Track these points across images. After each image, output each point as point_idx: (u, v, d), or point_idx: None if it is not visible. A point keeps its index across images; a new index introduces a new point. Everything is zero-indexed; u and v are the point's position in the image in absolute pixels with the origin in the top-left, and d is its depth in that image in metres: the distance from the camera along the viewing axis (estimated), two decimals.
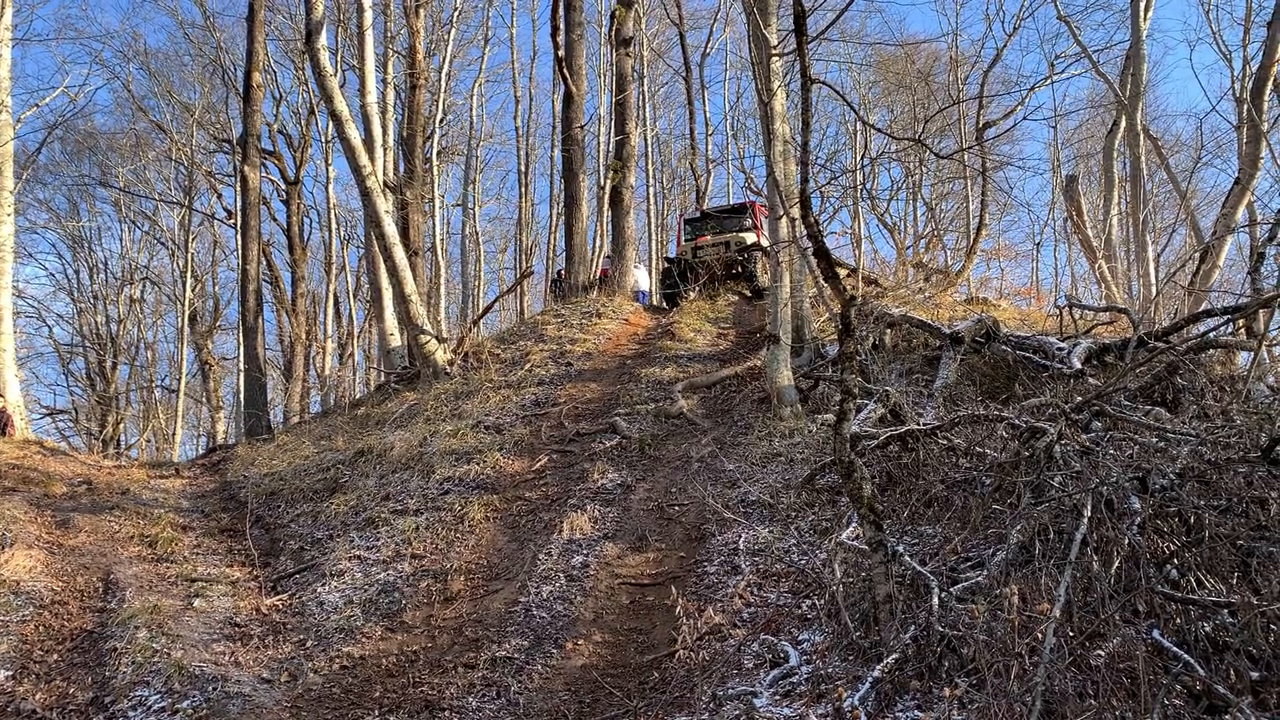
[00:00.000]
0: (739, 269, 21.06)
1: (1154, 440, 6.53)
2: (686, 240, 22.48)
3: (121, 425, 36.02)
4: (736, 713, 5.27)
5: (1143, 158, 18.17)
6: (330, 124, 21.69)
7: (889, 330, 13.17)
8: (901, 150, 27.30)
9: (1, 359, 18.12)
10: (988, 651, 4.61)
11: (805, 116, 6.86)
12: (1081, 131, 31.91)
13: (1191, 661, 4.47)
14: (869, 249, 29.18)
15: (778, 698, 5.44)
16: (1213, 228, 15.30)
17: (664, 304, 22.16)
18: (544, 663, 6.59)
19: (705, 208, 25.89)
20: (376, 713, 6.09)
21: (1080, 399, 7.73)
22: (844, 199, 29.93)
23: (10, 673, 6.94)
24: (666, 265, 22.56)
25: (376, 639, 7.39)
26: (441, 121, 27.78)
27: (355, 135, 16.18)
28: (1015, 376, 10.37)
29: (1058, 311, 13.17)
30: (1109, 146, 20.40)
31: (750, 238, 21.22)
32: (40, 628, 7.81)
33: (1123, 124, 18.89)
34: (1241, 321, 9.74)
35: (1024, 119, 24.52)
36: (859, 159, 26.52)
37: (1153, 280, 17.49)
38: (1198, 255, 15.47)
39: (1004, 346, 11.12)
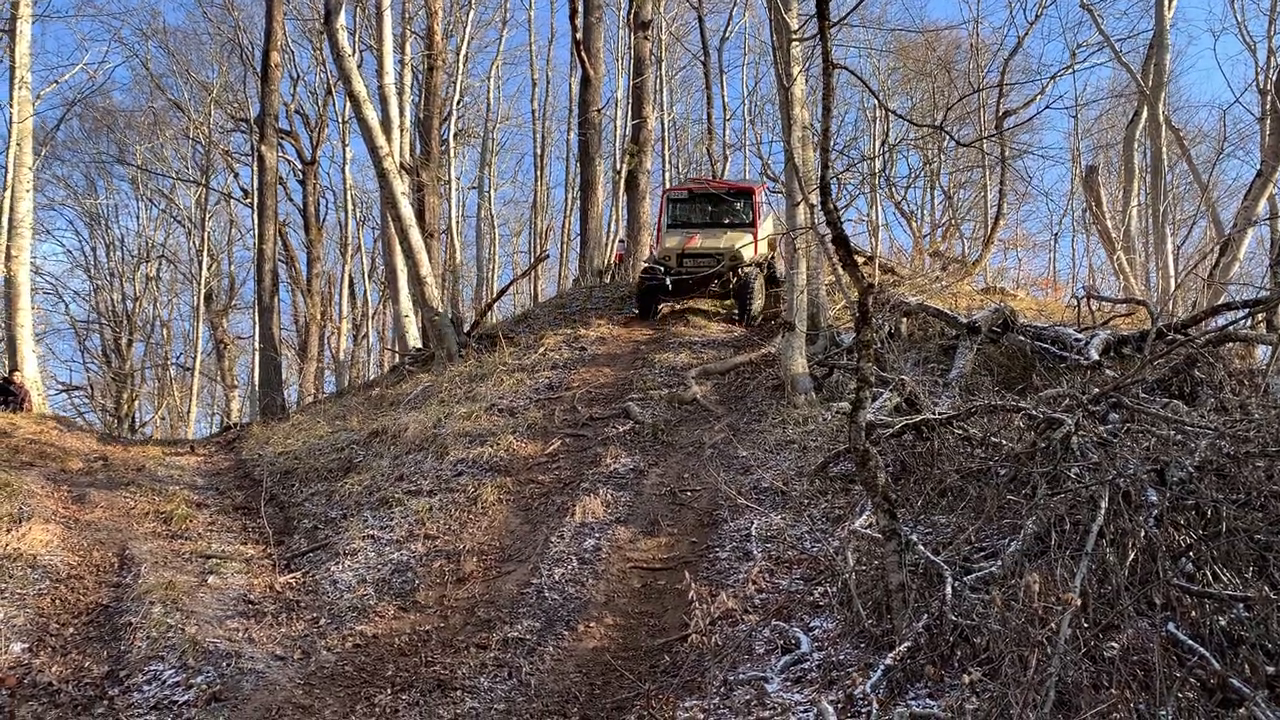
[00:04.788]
0: (730, 284, 17.13)
1: (1172, 433, 6.49)
2: (669, 226, 18.22)
3: (136, 402, 36.24)
4: (748, 697, 5.28)
5: (1164, 149, 18.02)
6: (347, 104, 21.71)
7: (905, 319, 13.13)
8: (920, 138, 27.12)
9: (19, 335, 18.26)
10: (1002, 641, 4.60)
11: (826, 102, 6.81)
12: (1102, 121, 31.65)
13: (1207, 654, 4.45)
14: (885, 237, 29.08)
15: (789, 683, 5.45)
16: (1233, 220, 15.19)
17: (641, 315, 17.60)
18: (555, 644, 6.61)
19: (696, 184, 20.79)
20: (389, 691, 6.12)
21: (1098, 390, 7.68)
22: (861, 186, 29.78)
23: (27, 645, 6.99)
24: (645, 273, 17.56)
25: (389, 618, 7.42)
26: (458, 103, 27.72)
27: (373, 116, 16.18)
28: (1032, 367, 10.32)
29: (1075, 302, 13.10)
30: (1130, 137, 20.25)
31: (745, 247, 17.14)
32: (56, 601, 7.87)
33: (1144, 114, 18.74)
34: (1261, 315, 9.67)
35: (1045, 108, 24.27)
36: (877, 146, 26.36)
37: (1172, 272, 17.37)
38: (1218, 248, 15.35)
39: (1021, 337, 11.08)
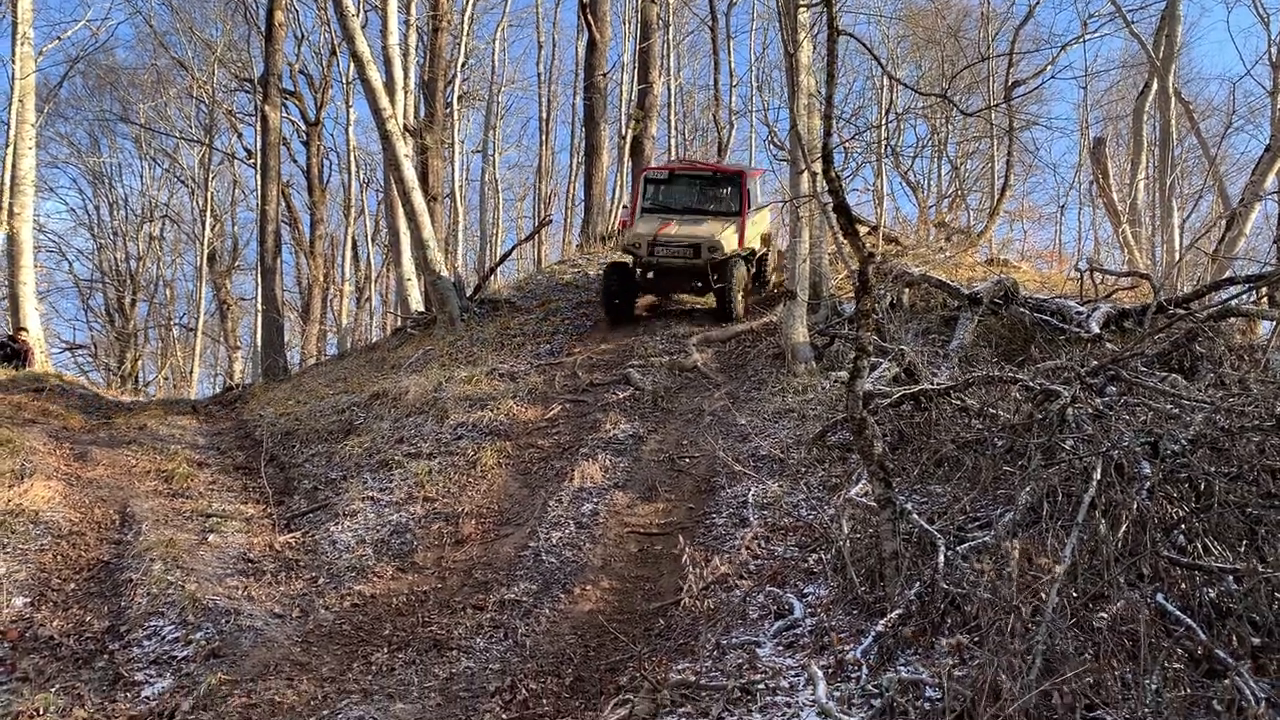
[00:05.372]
0: (712, 281, 14.72)
1: (1168, 406, 6.51)
2: (645, 210, 15.88)
3: (140, 362, 36.33)
4: (740, 661, 5.33)
5: (1173, 121, 17.88)
6: (351, 65, 21.57)
7: (908, 289, 13.11)
8: (927, 107, 26.92)
9: (22, 292, 18.32)
10: (990, 609, 4.64)
11: (830, 69, 6.79)
12: (1112, 93, 31.37)
13: (1194, 625, 4.50)
14: (891, 207, 28.95)
15: (781, 648, 5.50)
16: (1241, 195, 15.08)
17: (607, 315, 15.40)
18: (551, 607, 6.68)
19: (678, 164, 18.55)
20: (385, 650, 6.19)
21: (1096, 363, 7.71)
22: (867, 155, 29.59)
23: (29, 599, 7.07)
24: (612, 267, 15.51)
25: (387, 578, 7.49)
26: (463, 66, 27.56)
27: (376, 77, 16.08)
28: (1032, 339, 10.34)
29: (1078, 275, 13.07)
30: (1139, 109, 20.09)
31: (727, 237, 14.75)
32: (58, 557, 7.95)
33: (1154, 86, 18.58)
34: (1264, 290, 9.66)
35: (1052, 78, 23.98)
36: (884, 115, 26.17)
37: (1177, 246, 17.30)
38: (1224, 222, 15.28)
39: (1022, 309, 11.07)
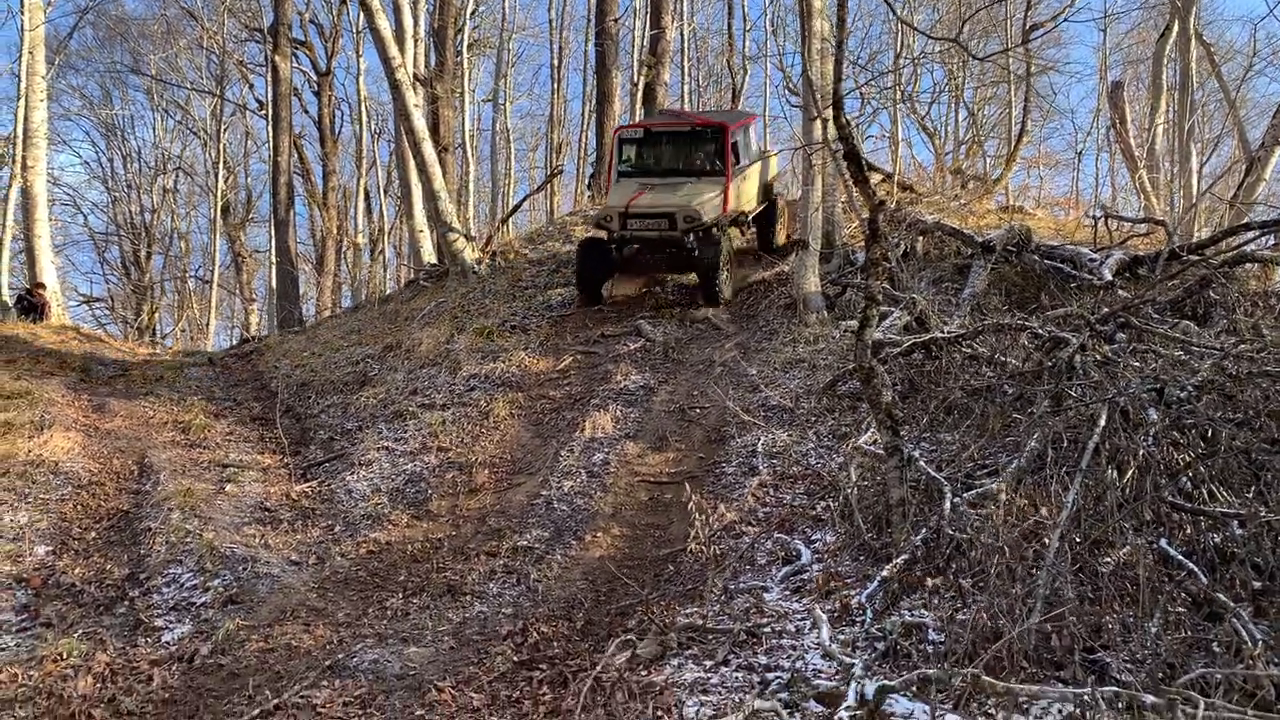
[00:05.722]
0: (690, 254, 12.83)
1: (1177, 353, 6.50)
2: (621, 175, 13.94)
3: (157, 314, 36.54)
4: (746, 605, 5.41)
5: (1193, 64, 17.57)
6: (361, 14, 21.36)
7: (921, 237, 13.02)
8: (943, 51, 26.50)
9: (37, 246, 18.40)
10: (993, 554, 4.69)
11: (841, 13, 6.72)
12: (1132, 36, 30.81)
13: (1195, 570, 4.54)
14: (907, 154, 28.61)
15: (788, 593, 5.59)
16: (1261, 139, 14.86)
17: (583, 294, 13.70)
18: (563, 553, 6.78)
19: (654, 119, 16.56)
20: (400, 595, 6.30)
21: (1106, 310, 7.68)
22: (883, 101, 29.20)
23: (51, 548, 7.22)
24: (585, 244, 13.83)
25: (402, 526, 7.61)
26: (473, 13, 27.23)
27: (385, 26, 15.93)
28: (1044, 286, 10.29)
29: (1092, 222, 12.95)
30: (1159, 52, 19.74)
31: (707, 204, 12.78)
32: (78, 507, 8.09)
33: (1175, 29, 18.23)
34: None
35: (1067, 20, 23.48)
36: (898, 60, 25.77)
37: (1195, 192, 17.09)
38: (1243, 167, 15.08)
39: (1035, 256, 10.99)
